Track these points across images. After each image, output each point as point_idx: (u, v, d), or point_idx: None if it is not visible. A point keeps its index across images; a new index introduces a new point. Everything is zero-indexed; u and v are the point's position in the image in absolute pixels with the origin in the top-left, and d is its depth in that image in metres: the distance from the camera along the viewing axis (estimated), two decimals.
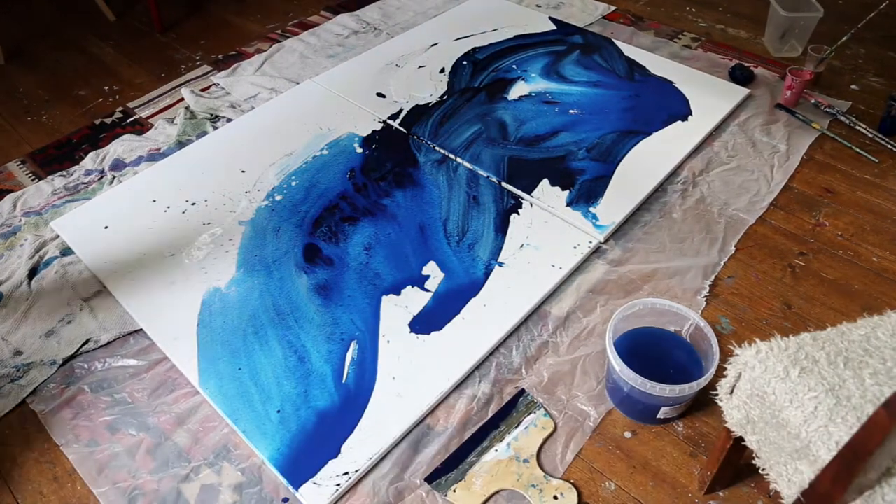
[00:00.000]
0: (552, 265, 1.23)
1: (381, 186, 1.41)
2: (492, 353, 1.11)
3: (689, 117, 1.56)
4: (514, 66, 1.76)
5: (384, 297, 1.18)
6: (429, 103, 1.64)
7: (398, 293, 1.19)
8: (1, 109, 1.78)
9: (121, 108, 1.75)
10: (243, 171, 1.47)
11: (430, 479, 0.95)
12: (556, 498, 0.92)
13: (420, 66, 1.78)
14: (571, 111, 1.59)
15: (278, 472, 0.95)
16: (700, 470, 0.95)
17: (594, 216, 1.32)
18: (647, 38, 1.91)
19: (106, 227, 1.35)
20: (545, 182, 1.40)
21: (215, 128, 1.63)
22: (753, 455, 0.75)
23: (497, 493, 0.93)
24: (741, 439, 0.77)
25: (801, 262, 1.25)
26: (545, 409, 1.02)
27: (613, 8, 2.06)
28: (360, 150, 1.52)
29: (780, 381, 0.67)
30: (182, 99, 1.75)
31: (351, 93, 1.69)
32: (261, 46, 1.98)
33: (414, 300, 1.18)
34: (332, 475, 0.94)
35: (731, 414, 0.76)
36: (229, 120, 1.65)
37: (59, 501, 0.96)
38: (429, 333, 1.13)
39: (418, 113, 1.62)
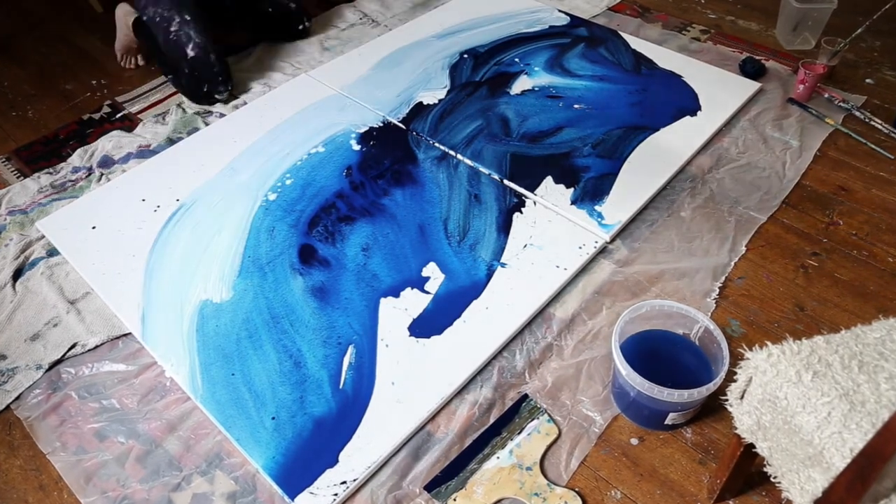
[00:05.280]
0: (556, 266, 1.20)
1: (379, 185, 1.38)
2: (494, 356, 1.08)
3: (698, 112, 1.53)
4: (516, 60, 1.72)
5: (382, 300, 1.15)
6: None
7: (397, 295, 1.16)
8: None
9: (109, 103, 1.72)
10: (235, 169, 1.44)
11: (429, 488, 0.93)
12: None
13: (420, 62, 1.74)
14: (576, 106, 1.56)
15: (273, 481, 0.93)
16: (709, 478, 0.93)
17: (600, 215, 1.29)
18: (655, 30, 1.88)
19: (94, 227, 1.32)
20: (549, 180, 1.37)
21: (207, 124, 1.60)
22: (765, 462, 0.74)
23: (499, 501, 0.91)
24: (752, 446, 0.76)
25: (814, 262, 1.22)
26: (549, 415, 1.00)
27: None
28: (357, 146, 1.48)
29: (792, 385, 0.66)
30: (173, 94, 1.71)
31: (348, 87, 1.66)
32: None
33: (413, 302, 1.15)
34: (329, 484, 0.92)
35: (741, 420, 0.74)
36: (221, 115, 1.62)
37: None
38: (429, 337, 1.10)
39: (418, 108, 1.58)
